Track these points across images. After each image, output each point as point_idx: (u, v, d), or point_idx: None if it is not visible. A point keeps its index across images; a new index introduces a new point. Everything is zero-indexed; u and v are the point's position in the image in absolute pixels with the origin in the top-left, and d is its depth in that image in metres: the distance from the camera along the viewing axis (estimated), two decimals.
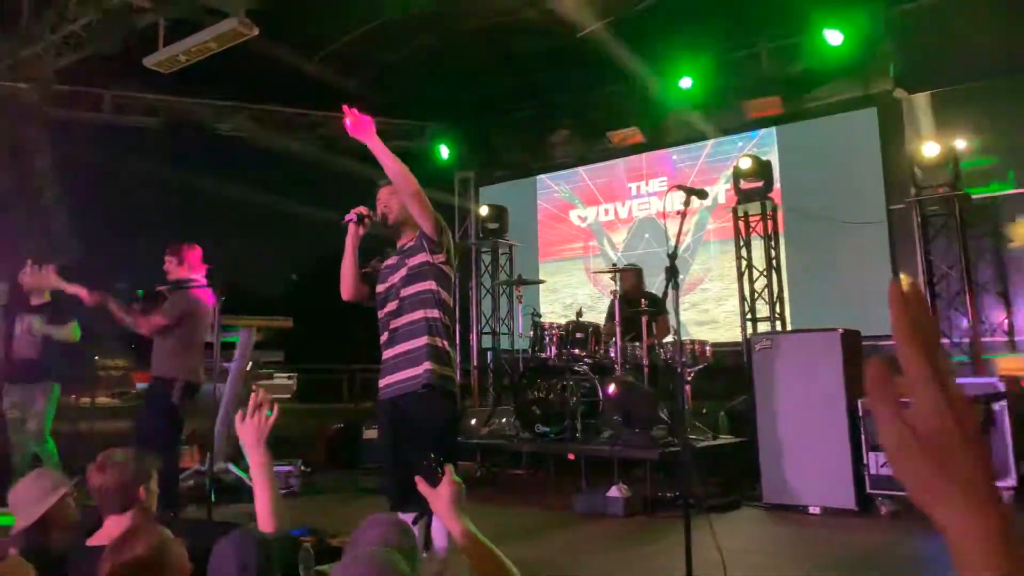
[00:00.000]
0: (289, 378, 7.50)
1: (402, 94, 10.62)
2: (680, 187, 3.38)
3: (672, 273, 3.12)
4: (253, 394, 2.59)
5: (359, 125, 3.30)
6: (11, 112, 7.97)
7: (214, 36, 6.43)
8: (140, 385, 7.13)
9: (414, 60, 9.72)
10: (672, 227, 3.33)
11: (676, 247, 3.14)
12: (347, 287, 3.48)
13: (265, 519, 2.43)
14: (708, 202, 9.66)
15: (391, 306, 3.40)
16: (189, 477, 6.70)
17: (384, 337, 3.41)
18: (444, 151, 11.16)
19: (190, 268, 5.22)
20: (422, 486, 2.03)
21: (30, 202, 7.78)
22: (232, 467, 6.81)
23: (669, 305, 3.18)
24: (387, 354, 3.38)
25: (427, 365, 3.26)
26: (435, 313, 3.34)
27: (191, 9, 6.91)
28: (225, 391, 6.91)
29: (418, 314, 3.33)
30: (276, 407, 2.55)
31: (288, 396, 7.47)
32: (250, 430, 2.49)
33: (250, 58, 8.68)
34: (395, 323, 3.37)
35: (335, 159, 10.94)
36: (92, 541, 2.67)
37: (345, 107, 3.28)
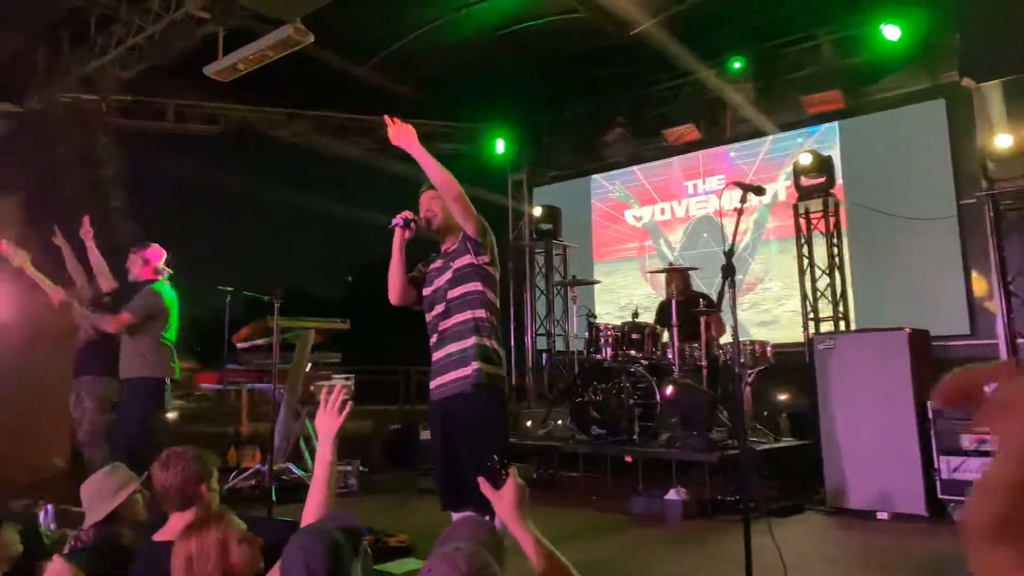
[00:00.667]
0: (347, 379, 7.57)
1: (454, 97, 10.66)
2: (737, 184, 3.30)
3: (728, 272, 3.04)
4: (324, 390, 2.65)
5: (400, 134, 3.33)
6: (80, 122, 8.25)
7: (270, 44, 6.53)
8: (204, 386, 7.27)
9: (466, 63, 9.75)
10: (729, 225, 3.25)
11: (733, 245, 3.06)
12: (395, 291, 3.52)
13: (313, 512, 2.46)
14: (768, 199, 9.46)
15: (439, 308, 3.42)
16: (250, 476, 6.82)
17: (433, 339, 3.43)
18: (500, 144, 11.14)
19: (155, 269, 5.25)
20: (485, 488, 2.00)
21: (97, 209, 8.03)
22: (292, 467, 6.91)
23: (726, 305, 3.09)
24: (437, 356, 3.40)
25: (475, 365, 3.27)
26: (482, 313, 3.35)
27: (248, 18, 7.05)
28: (284, 393, 7.01)
29: (466, 315, 3.34)
30: (349, 403, 2.62)
31: (346, 397, 7.52)
32: (325, 422, 2.59)
33: (305, 66, 8.84)
34: (443, 325, 3.39)
35: (389, 163, 11.07)
36: (158, 536, 2.73)
37: (386, 117, 3.33)
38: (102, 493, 3.16)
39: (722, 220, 4.01)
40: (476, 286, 3.38)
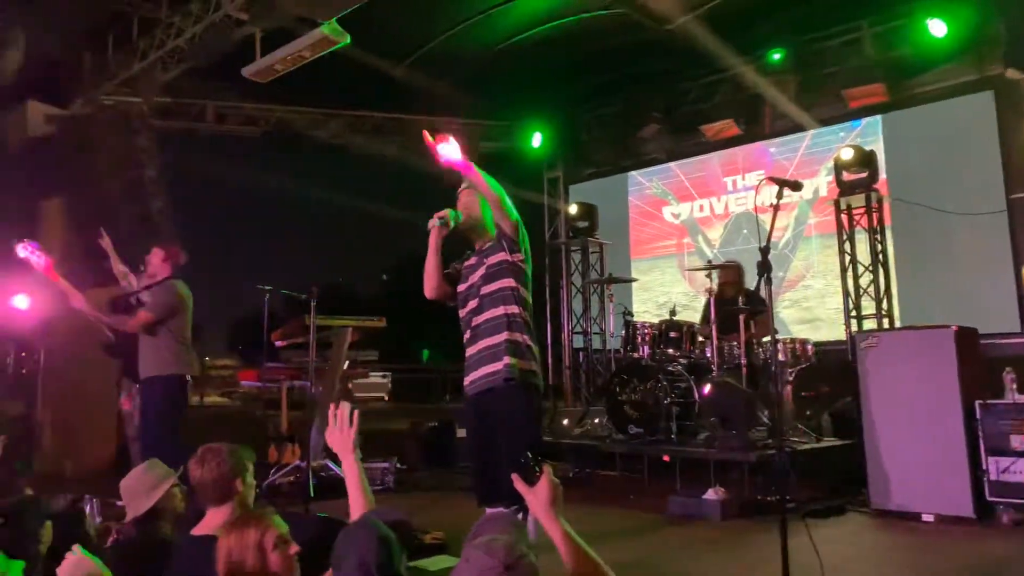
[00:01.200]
0: (384, 376, 7.63)
1: (490, 95, 10.66)
2: (773, 179, 3.23)
3: (764, 268, 2.97)
4: (333, 406, 2.67)
5: (445, 151, 3.29)
6: (122, 125, 8.42)
7: (307, 45, 6.60)
8: (245, 383, 7.38)
9: (501, 60, 9.74)
10: (765, 221, 3.18)
11: (769, 242, 2.99)
12: (430, 286, 3.55)
13: (357, 508, 2.51)
14: (808, 195, 9.29)
15: (472, 304, 3.45)
16: (289, 473, 6.90)
17: (467, 335, 3.47)
18: (536, 139, 11.09)
19: (173, 266, 5.22)
20: (519, 484, 1.99)
21: (140, 209, 8.20)
22: (331, 464, 6.97)
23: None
24: (470, 351, 3.42)
25: (507, 360, 3.28)
26: (515, 309, 3.38)
27: (285, 20, 7.13)
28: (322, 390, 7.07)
29: (499, 311, 3.37)
30: (356, 415, 2.64)
31: (383, 394, 7.58)
32: (338, 439, 2.63)
33: (342, 66, 8.91)
34: (476, 320, 3.42)
35: (424, 161, 11.11)
36: (197, 531, 2.77)
37: (426, 136, 3.28)
38: (140, 489, 3.21)
39: (757, 215, 3.91)
40: (509, 282, 3.40)
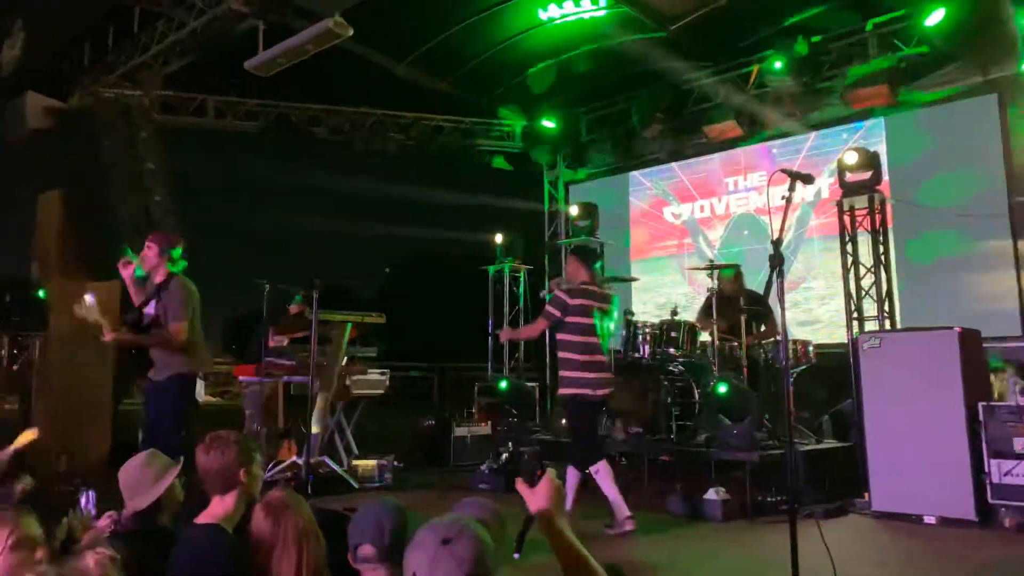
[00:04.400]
0: (382, 374, 7.57)
1: (491, 94, 10.64)
2: (785, 171, 3.21)
3: (776, 261, 2.94)
4: None
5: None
6: (123, 118, 8.37)
7: (310, 38, 6.57)
8: (243, 379, 7.32)
9: (503, 59, 9.72)
10: (776, 212, 3.15)
11: (782, 233, 2.97)
12: None
13: None
14: (810, 197, 9.28)
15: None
16: (287, 469, 6.85)
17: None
18: (538, 138, 11.02)
19: (171, 259, 4.95)
20: (520, 486, 1.97)
21: (141, 202, 8.15)
22: (328, 460, 6.92)
23: (774, 296, 2.99)
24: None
25: None
26: None
27: (288, 13, 7.10)
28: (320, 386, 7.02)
29: None
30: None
31: (382, 392, 7.54)
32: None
33: (343, 63, 8.89)
34: None
35: (426, 158, 11.09)
36: (201, 519, 2.73)
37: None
38: (144, 482, 3.15)
39: (769, 215, 3.88)
40: None
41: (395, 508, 2.19)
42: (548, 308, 5.25)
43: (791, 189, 3.11)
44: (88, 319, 4.73)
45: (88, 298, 4.73)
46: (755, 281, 7.43)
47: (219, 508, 2.77)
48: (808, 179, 3.24)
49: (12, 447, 4.50)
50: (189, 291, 4.90)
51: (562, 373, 5.28)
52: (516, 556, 1.85)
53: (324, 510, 3.81)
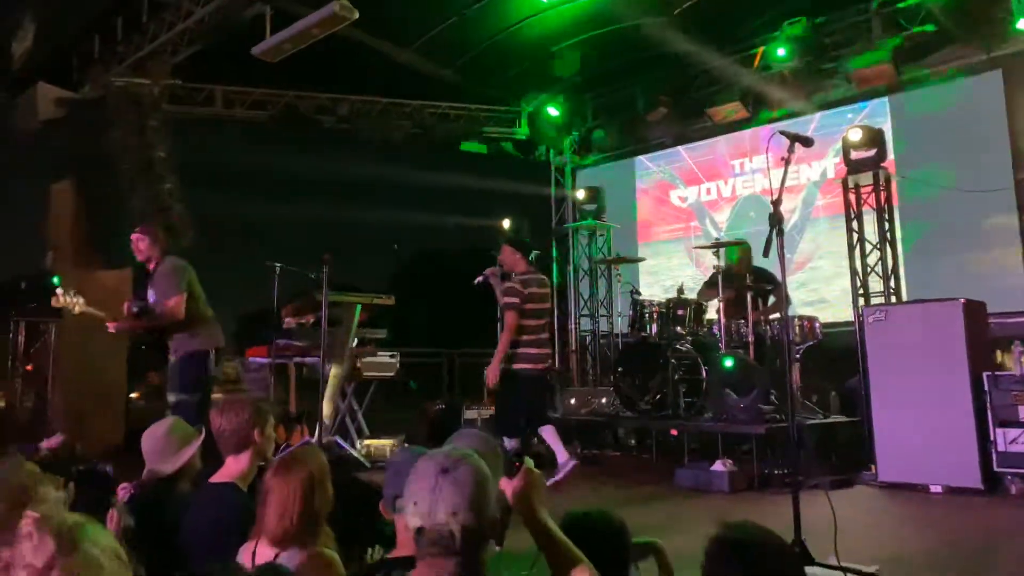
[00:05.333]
0: (392, 356, 7.65)
1: (496, 81, 10.67)
2: (783, 132, 3.27)
3: (776, 220, 3.00)
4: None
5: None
6: (133, 107, 8.44)
7: (317, 21, 6.61)
8: (252, 360, 7.41)
9: (508, 46, 9.75)
10: (776, 175, 3.20)
11: (781, 193, 3.02)
12: None
13: None
14: (816, 177, 9.30)
15: None
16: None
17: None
18: (543, 124, 11.05)
19: (164, 249, 5.07)
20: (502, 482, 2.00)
21: (152, 190, 8.23)
22: (339, 441, 7.01)
23: (774, 254, 3.04)
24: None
25: None
26: None
27: (294, 1, 7.16)
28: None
29: None
30: None
31: (391, 374, 7.62)
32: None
33: (348, 51, 8.95)
34: None
35: (430, 146, 11.14)
36: (215, 478, 2.81)
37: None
38: (168, 448, 3.21)
39: (769, 176, 3.92)
40: None
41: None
42: (509, 300, 5.69)
43: (790, 151, 3.16)
44: (74, 312, 4.84)
45: (59, 293, 4.81)
46: (762, 262, 7.45)
47: (234, 467, 2.84)
48: (807, 141, 3.29)
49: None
50: (177, 267, 4.99)
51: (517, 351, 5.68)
52: (498, 549, 1.86)
53: (358, 480, 3.89)
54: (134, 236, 5.04)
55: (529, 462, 1.99)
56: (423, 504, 1.53)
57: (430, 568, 1.55)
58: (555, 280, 10.99)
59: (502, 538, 1.86)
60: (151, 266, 5.03)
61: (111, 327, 4.91)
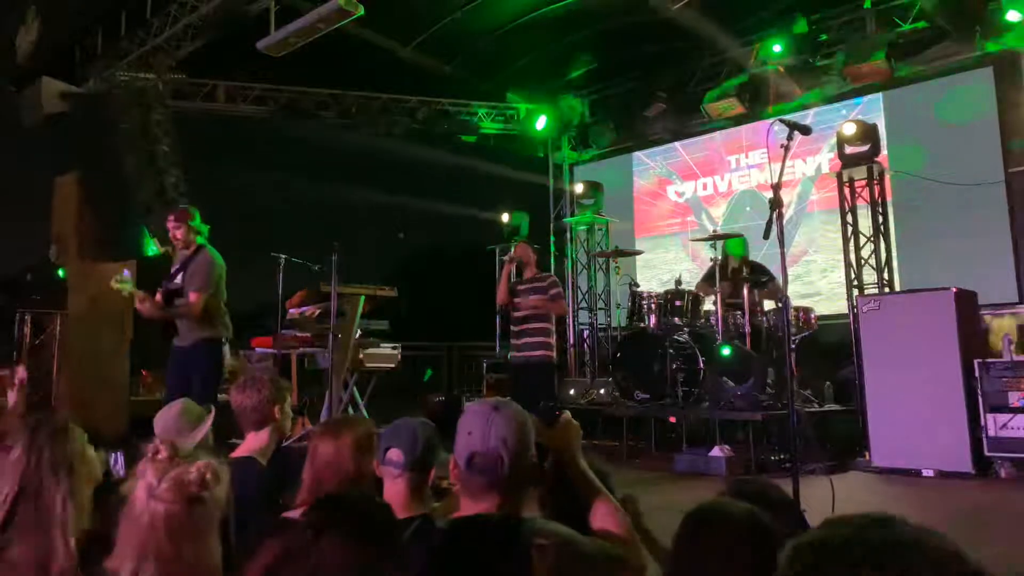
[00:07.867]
0: (394, 348, 7.74)
1: (496, 77, 10.78)
2: (782, 120, 3.39)
3: (776, 204, 3.12)
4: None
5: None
6: (137, 102, 8.53)
7: (321, 16, 6.71)
8: (259, 350, 7.50)
9: (508, 42, 9.85)
10: (775, 164, 3.32)
11: (780, 178, 3.14)
12: (501, 297, 6.33)
13: None
14: (811, 172, 9.43)
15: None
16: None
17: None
18: (541, 121, 11.19)
19: (197, 231, 5.12)
20: (539, 427, 2.11)
21: (156, 184, 8.31)
22: None
23: (774, 238, 3.16)
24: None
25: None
26: None
27: None
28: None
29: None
30: None
31: (393, 366, 7.71)
32: None
33: (350, 48, 9.04)
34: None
35: (431, 142, 11.25)
36: (236, 453, 2.92)
37: None
38: (182, 428, 3.31)
39: (769, 163, 4.04)
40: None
41: (432, 427, 2.22)
42: (558, 291, 6.27)
43: (789, 138, 3.28)
44: (124, 292, 4.96)
45: (126, 273, 4.98)
46: (758, 255, 7.58)
47: (254, 442, 2.96)
48: (806, 130, 3.41)
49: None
50: (215, 263, 5.09)
51: (546, 340, 6.16)
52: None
53: None
54: (170, 224, 5.11)
55: (567, 413, 2.13)
56: (477, 432, 1.74)
57: (474, 503, 1.69)
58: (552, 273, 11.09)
59: (540, 481, 1.97)
60: (189, 250, 5.10)
61: (139, 306, 4.99)
